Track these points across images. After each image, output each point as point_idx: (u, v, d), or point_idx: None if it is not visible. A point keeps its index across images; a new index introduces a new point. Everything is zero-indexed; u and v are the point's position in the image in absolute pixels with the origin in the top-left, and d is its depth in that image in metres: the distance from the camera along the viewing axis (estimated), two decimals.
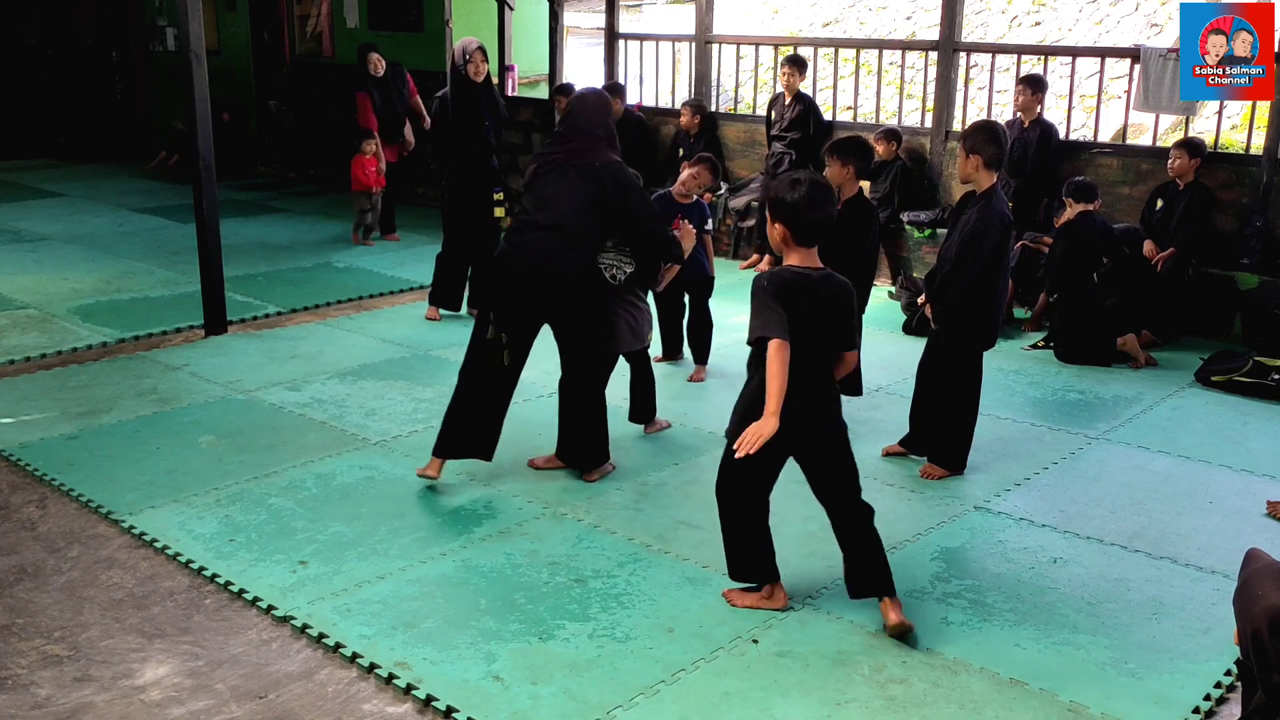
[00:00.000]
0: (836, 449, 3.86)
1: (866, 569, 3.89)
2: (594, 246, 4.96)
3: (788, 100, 9.31)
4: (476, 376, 4.95)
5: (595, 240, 4.96)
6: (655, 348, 6.15)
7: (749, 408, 3.75)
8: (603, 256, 5.08)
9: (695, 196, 6.47)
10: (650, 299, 6.63)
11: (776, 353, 3.61)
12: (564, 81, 10.54)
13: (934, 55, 9.06)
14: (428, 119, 9.63)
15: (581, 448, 5.17)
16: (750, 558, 4.01)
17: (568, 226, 4.84)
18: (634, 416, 5.72)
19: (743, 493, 3.94)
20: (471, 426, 4.95)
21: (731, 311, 7.76)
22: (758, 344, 3.72)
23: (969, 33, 12.32)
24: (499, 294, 4.90)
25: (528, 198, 5.00)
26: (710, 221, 6.58)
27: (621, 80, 10.84)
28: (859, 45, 10.44)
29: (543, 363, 6.55)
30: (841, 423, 3.89)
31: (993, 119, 7.23)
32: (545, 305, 4.92)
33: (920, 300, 5.30)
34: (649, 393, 5.68)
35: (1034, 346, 7.29)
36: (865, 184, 5.87)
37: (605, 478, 5.15)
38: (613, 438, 5.52)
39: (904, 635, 3.83)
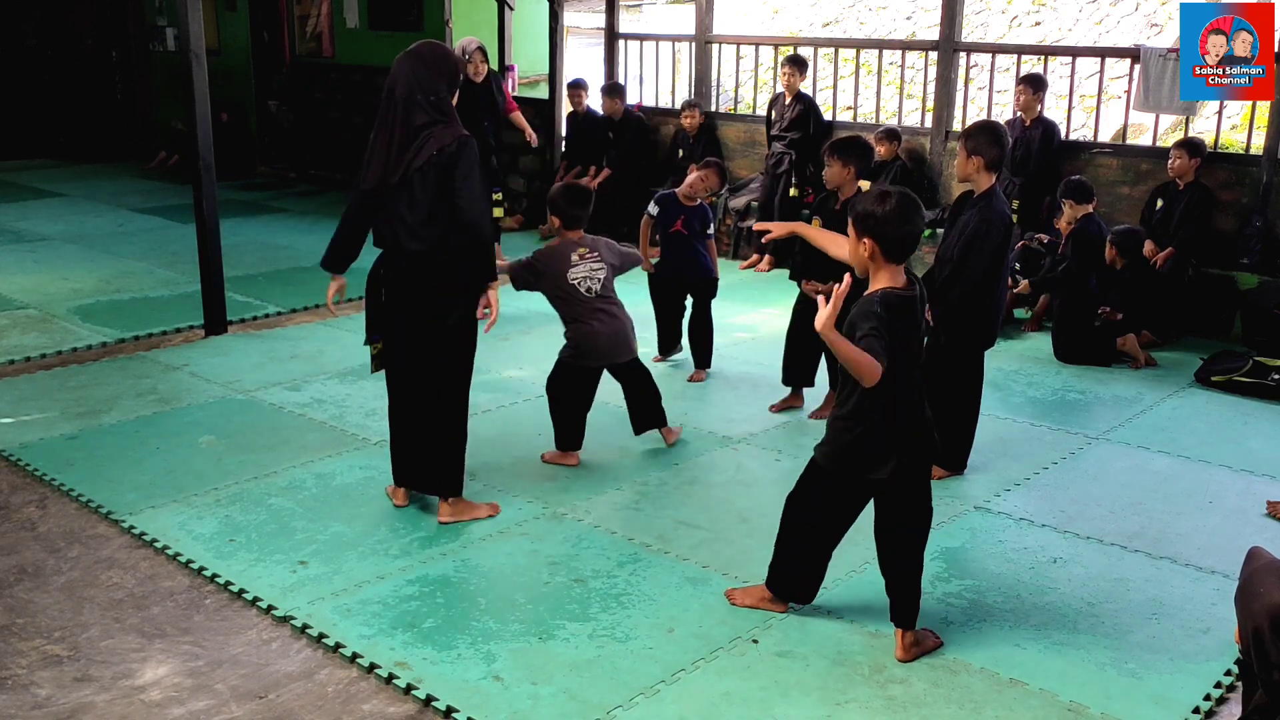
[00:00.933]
0: (918, 486, 3.73)
1: (897, 602, 3.79)
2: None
3: (788, 100, 9.32)
4: (392, 400, 4.70)
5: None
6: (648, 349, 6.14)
7: (855, 439, 3.61)
8: (573, 271, 5.02)
9: (700, 200, 6.46)
10: (650, 299, 6.66)
11: (869, 370, 3.34)
12: (577, 77, 10.55)
13: (934, 55, 9.06)
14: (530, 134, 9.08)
15: (438, 470, 4.66)
16: (797, 578, 3.93)
17: (418, 246, 4.34)
18: (643, 424, 5.41)
19: (818, 518, 3.81)
20: (401, 453, 4.74)
21: (732, 312, 7.76)
22: (859, 371, 3.43)
23: (969, 33, 12.32)
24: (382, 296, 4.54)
25: (383, 221, 4.39)
26: (713, 225, 6.57)
27: (621, 80, 10.84)
28: (859, 45, 10.46)
29: (540, 362, 6.57)
30: (930, 459, 3.77)
31: (994, 119, 7.24)
32: (420, 317, 4.44)
33: (926, 314, 5.29)
34: (654, 396, 5.40)
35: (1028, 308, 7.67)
36: (865, 184, 5.87)
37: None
38: (612, 439, 5.53)
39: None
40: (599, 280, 5.09)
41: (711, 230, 6.54)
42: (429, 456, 4.66)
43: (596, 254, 5.12)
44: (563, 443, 5.28)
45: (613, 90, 10.26)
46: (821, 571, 3.94)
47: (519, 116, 9.09)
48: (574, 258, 5.06)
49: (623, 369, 5.30)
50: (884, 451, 3.60)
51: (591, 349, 5.13)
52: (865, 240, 3.55)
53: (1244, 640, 2.72)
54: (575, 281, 5.04)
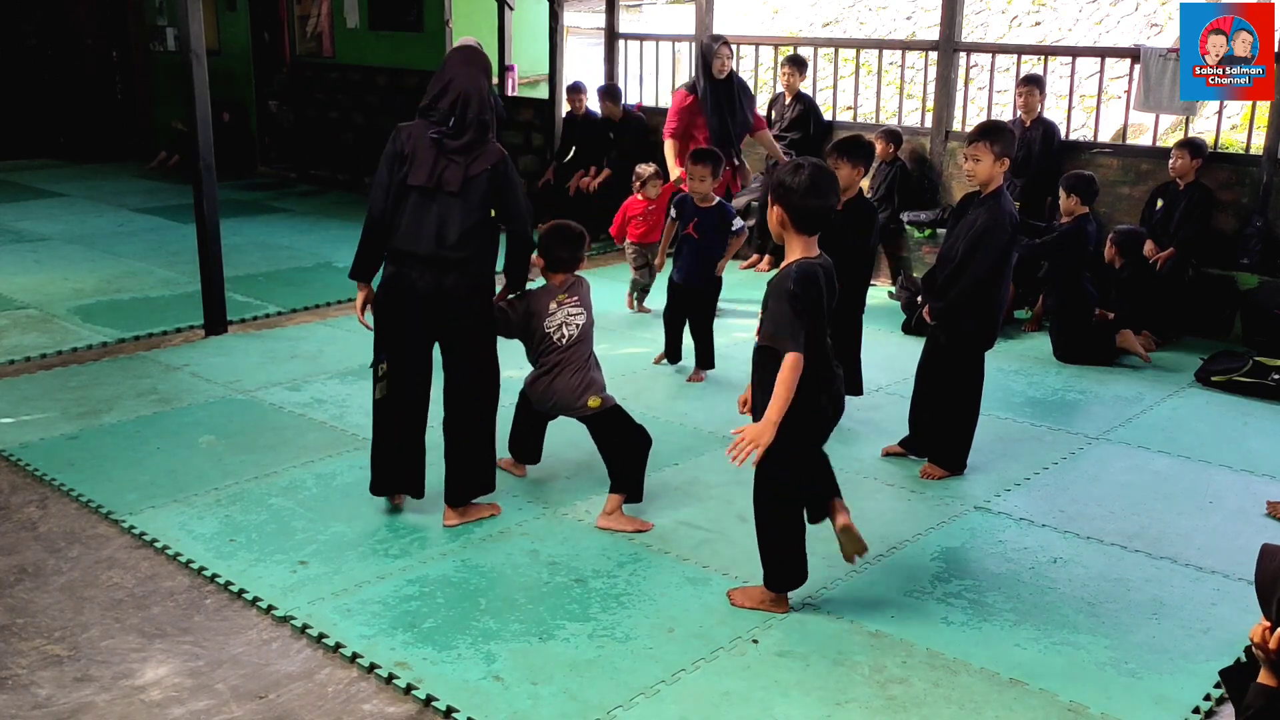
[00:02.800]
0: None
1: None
2: (490, 257, 4.48)
3: (788, 100, 9.32)
4: (383, 411, 4.60)
5: (490, 251, 4.47)
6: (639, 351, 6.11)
7: (794, 428, 3.67)
8: (549, 320, 4.68)
9: (716, 199, 6.43)
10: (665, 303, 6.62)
11: (793, 367, 3.56)
12: (576, 80, 10.53)
13: (934, 55, 9.05)
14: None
15: (454, 475, 4.64)
16: (797, 566, 3.94)
17: (459, 254, 4.34)
18: (620, 487, 4.73)
19: (793, 501, 3.86)
20: (396, 463, 4.66)
21: (733, 312, 7.76)
22: (769, 350, 3.69)
23: (969, 33, 12.33)
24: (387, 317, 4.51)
25: (407, 223, 4.35)
26: (737, 221, 6.48)
27: (621, 80, 10.84)
28: (859, 45, 10.45)
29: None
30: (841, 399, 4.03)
31: (997, 119, 7.27)
32: (436, 322, 4.45)
33: (925, 313, 5.29)
34: (621, 456, 4.71)
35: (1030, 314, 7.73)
36: (864, 183, 5.91)
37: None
38: None
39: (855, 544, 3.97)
40: (577, 326, 4.69)
41: (736, 225, 6.45)
42: (450, 463, 4.64)
43: (576, 298, 4.73)
44: (514, 451, 5.14)
45: (610, 93, 10.24)
46: (804, 545, 3.96)
47: (766, 136, 8.40)
48: (551, 306, 4.67)
49: (604, 417, 4.74)
50: (823, 412, 3.82)
51: (534, 396, 4.82)
52: (775, 208, 3.70)
53: None
54: (550, 330, 4.66)
